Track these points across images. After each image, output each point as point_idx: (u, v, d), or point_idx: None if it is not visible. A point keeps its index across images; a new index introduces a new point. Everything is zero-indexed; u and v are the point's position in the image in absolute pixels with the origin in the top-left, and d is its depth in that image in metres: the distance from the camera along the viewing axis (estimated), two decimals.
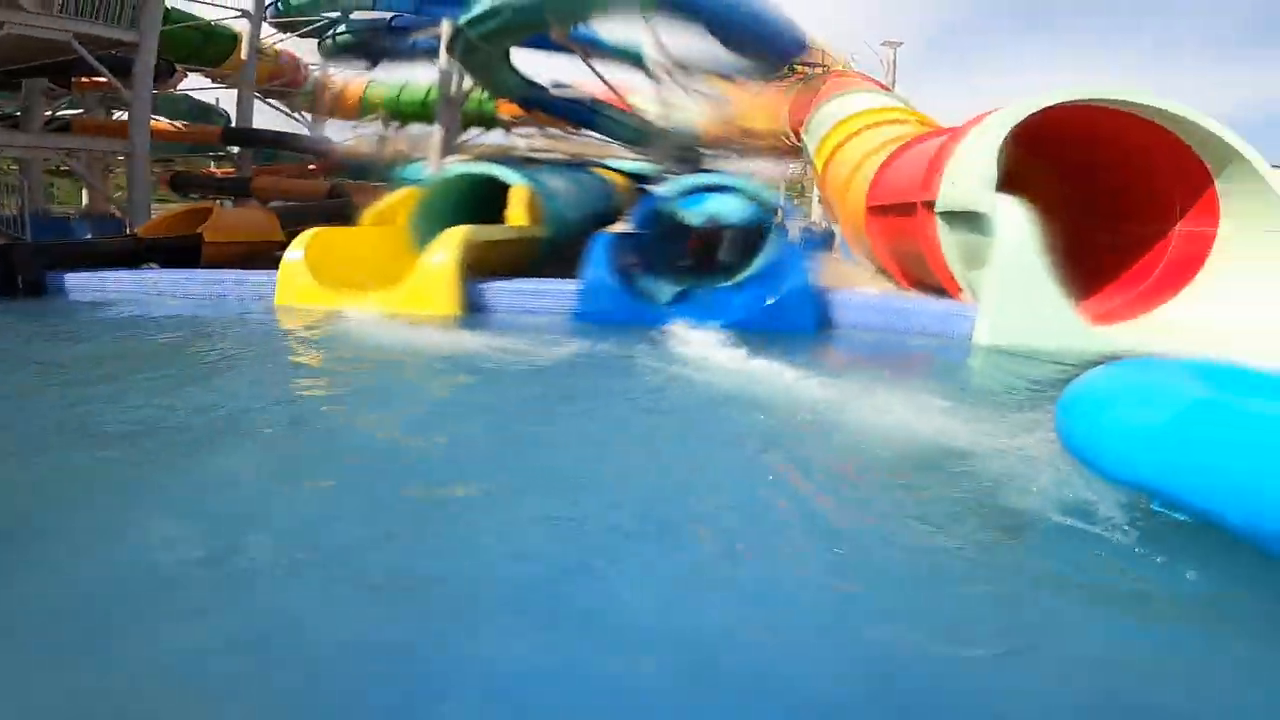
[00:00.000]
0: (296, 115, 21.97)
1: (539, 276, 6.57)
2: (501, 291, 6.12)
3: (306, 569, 1.91)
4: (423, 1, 13.03)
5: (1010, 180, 7.13)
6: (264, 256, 7.97)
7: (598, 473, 2.78)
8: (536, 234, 7.32)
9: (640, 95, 15.90)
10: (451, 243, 5.82)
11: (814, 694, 1.55)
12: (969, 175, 6.53)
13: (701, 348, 4.85)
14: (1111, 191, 7.85)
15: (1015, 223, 5.94)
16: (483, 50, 10.84)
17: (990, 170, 6.38)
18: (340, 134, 22.20)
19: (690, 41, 12.96)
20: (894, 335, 6.21)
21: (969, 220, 6.56)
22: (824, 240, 13.20)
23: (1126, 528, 2.30)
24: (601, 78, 12.33)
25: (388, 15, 14.29)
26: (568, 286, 6.04)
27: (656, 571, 2.02)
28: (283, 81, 20.54)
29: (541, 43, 12.04)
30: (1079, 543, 2.25)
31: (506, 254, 7.15)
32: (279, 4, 16.59)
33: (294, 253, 5.92)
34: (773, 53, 11.16)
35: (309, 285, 5.77)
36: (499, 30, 10.29)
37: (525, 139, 26.78)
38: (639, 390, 4.04)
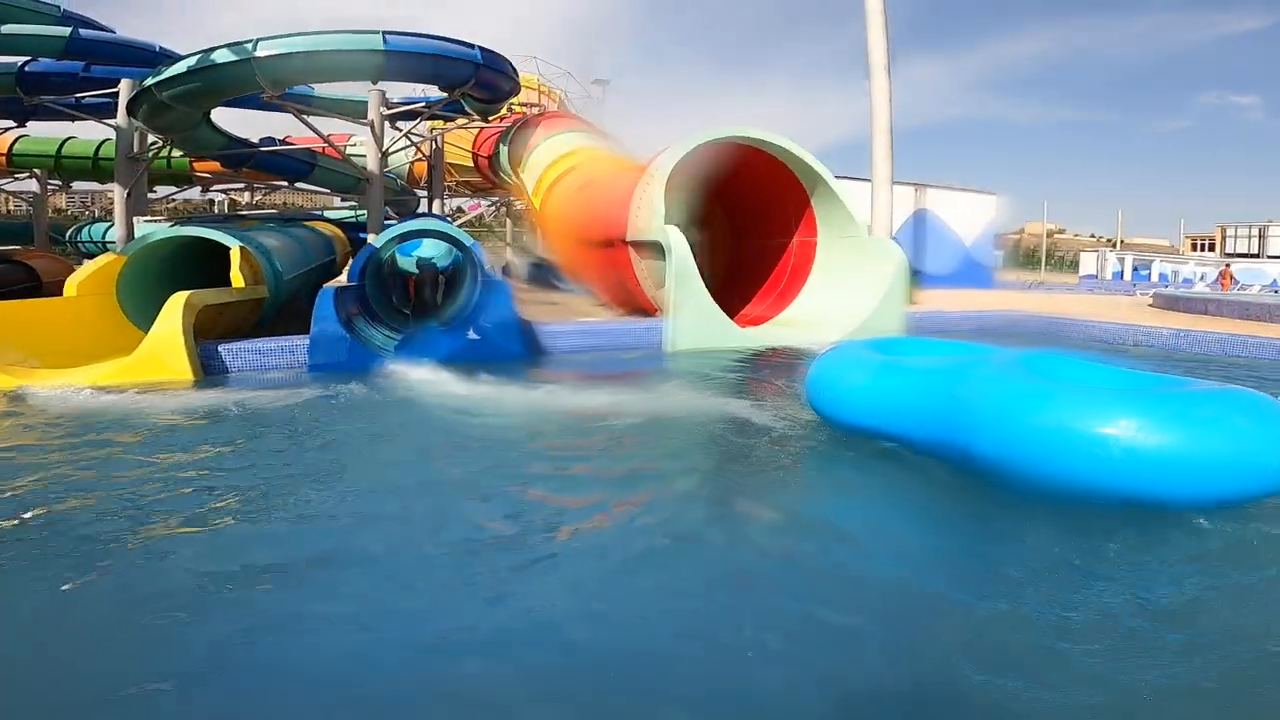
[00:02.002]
0: None
1: (272, 335, 6.73)
2: (237, 352, 6.23)
3: None
4: (82, 58, 11.71)
5: (694, 210, 8.62)
6: None
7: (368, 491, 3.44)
8: (260, 294, 7.43)
9: (356, 144, 15.87)
10: (176, 307, 5.83)
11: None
12: (646, 209, 8.02)
13: (428, 380, 5.58)
14: (753, 212, 10.00)
15: (679, 248, 7.48)
16: (177, 110, 10.24)
17: (660, 204, 7.88)
18: None
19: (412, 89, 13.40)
20: (603, 352, 7.41)
21: (651, 248, 8.06)
22: (547, 273, 14.44)
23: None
24: (317, 131, 12.22)
25: (19, 61, 12.21)
26: (300, 341, 6.34)
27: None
28: None
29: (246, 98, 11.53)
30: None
31: (232, 315, 7.16)
32: None
33: None
34: (492, 95, 11.84)
35: None
36: (199, 92, 9.83)
37: (227, 194, 24.64)
38: (386, 421, 4.69)
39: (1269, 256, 37.48)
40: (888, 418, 3.58)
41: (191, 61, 9.67)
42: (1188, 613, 2.23)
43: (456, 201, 27.75)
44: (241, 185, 20.40)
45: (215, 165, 16.71)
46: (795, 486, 3.53)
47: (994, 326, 8.94)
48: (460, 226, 10.18)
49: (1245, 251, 38.63)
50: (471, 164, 19.36)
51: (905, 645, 2.09)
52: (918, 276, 12.50)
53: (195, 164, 17.56)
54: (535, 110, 17.53)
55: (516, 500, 3.24)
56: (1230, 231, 41.60)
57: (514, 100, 14.54)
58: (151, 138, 12.98)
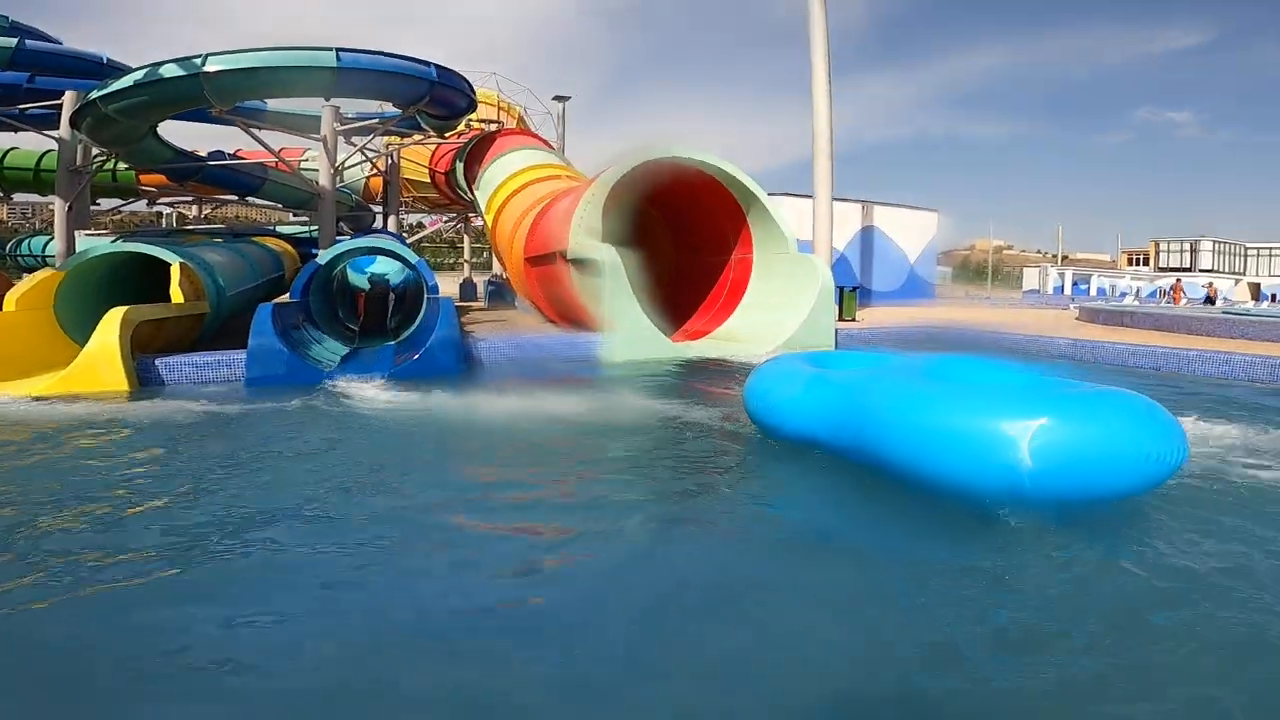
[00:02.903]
0: None
1: (212, 349, 6.80)
2: (174, 365, 6.31)
3: None
4: (28, 69, 11.59)
5: (639, 227, 8.75)
6: None
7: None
8: (201, 309, 7.51)
9: (310, 159, 15.84)
10: (113, 322, 5.93)
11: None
12: (584, 228, 8.25)
13: (359, 393, 5.74)
14: (697, 229, 10.31)
15: (613, 266, 7.71)
16: (122, 123, 10.19)
17: (596, 223, 8.07)
18: None
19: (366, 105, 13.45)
20: (541, 365, 7.58)
21: (589, 265, 8.29)
22: (506, 291, 14.59)
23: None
24: (267, 146, 12.22)
25: None
26: (238, 355, 6.44)
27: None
28: None
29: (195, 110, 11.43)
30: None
31: (172, 330, 7.22)
32: None
33: None
34: (448, 112, 11.98)
35: None
36: (145, 106, 9.79)
37: (175, 208, 24.19)
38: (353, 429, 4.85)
39: (1200, 270, 39.45)
40: (811, 425, 3.80)
41: (138, 75, 9.64)
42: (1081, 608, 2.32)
43: (417, 217, 27.69)
44: (190, 199, 20.14)
45: (162, 178, 16.51)
46: (724, 491, 3.67)
47: (920, 337, 9.44)
48: (420, 243, 10.25)
49: (1178, 266, 40.54)
50: (429, 180, 19.43)
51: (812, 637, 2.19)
52: (857, 292, 12.97)
53: (141, 176, 17.32)
54: (494, 126, 17.62)
55: (444, 508, 3.40)
56: (1164, 246, 43.60)
57: (473, 116, 14.62)
58: (96, 150, 12.86)
